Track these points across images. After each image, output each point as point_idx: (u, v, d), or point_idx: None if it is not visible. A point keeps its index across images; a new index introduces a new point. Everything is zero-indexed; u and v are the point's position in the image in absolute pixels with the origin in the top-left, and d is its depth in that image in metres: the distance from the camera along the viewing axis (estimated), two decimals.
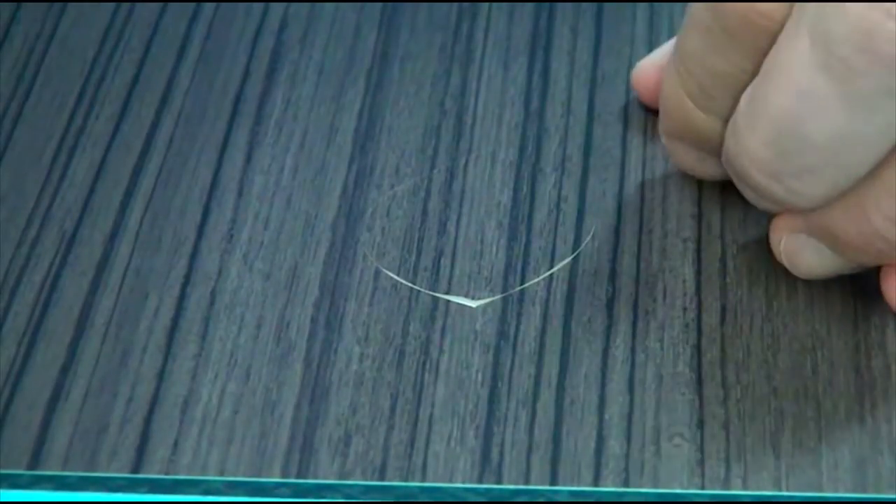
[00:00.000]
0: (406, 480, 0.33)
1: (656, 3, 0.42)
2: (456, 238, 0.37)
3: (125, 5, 0.43)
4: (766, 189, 0.32)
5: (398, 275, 0.36)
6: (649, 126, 0.39)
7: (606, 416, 0.33)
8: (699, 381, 0.34)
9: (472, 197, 0.38)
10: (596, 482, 0.32)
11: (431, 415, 0.34)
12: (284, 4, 0.43)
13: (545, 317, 0.35)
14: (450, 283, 0.36)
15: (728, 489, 0.32)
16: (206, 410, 0.34)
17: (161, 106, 0.40)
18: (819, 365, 0.34)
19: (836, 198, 0.32)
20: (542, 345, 0.35)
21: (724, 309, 0.35)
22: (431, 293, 0.36)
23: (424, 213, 0.37)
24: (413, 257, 0.37)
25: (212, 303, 0.36)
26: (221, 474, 0.33)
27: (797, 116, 0.30)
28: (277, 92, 0.40)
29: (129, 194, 0.38)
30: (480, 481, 0.33)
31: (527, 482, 0.32)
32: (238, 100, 0.40)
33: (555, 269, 0.36)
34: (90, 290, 0.36)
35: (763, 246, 0.36)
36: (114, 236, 0.37)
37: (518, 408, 0.34)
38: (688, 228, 0.37)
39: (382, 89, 0.40)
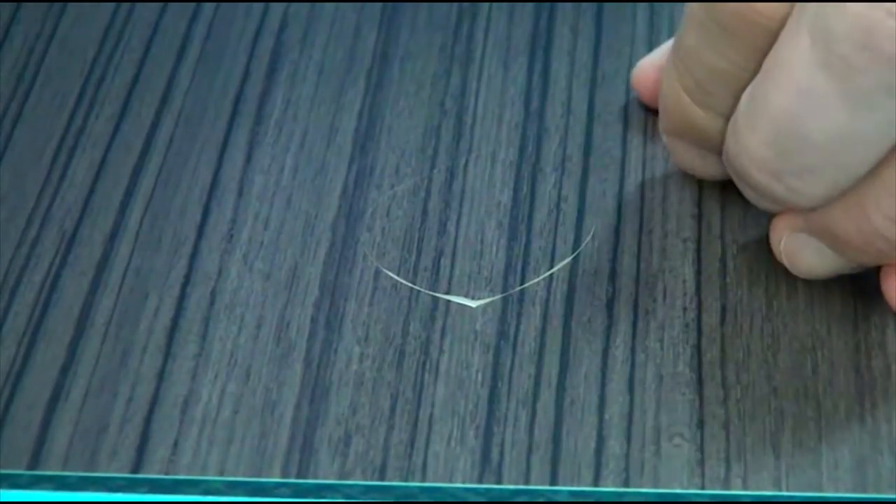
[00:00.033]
0: (406, 480, 0.33)
1: (656, 3, 0.42)
2: (456, 238, 0.37)
3: (125, 5, 0.43)
4: (767, 188, 0.32)
5: (398, 275, 0.36)
6: (649, 126, 0.39)
7: (606, 416, 0.33)
8: (699, 381, 0.34)
9: (472, 197, 0.38)
10: (596, 482, 0.32)
11: (431, 415, 0.34)
12: (284, 4, 0.43)
13: (545, 317, 0.35)
14: (450, 283, 0.36)
15: (728, 489, 0.32)
16: (206, 410, 0.34)
17: (161, 106, 0.40)
18: (819, 365, 0.34)
19: (836, 197, 0.32)
20: (542, 345, 0.35)
21: (724, 309, 0.35)
22: (431, 293, 0.36)
23: (424, 213, 0.38)
24: (413, 257, 0.37)
25: (212, 303, 0.36)
26: (221, 474, 0.33)
27: (797, 115, 0.30)
28: (277, 92, 0.40)
29: (129, 194, 0.38)
30: (480, 481, 0.33)
31: (527, 482, 0.32)
32: (238, 100, 0.40)
33: (555, 269, 0.36)
34: (90, 290, 0.36)
35: (763, 246, 0.36)
36: (114, 236, 0.37)
37: (518, 408, 0.34)
38: (688, 228, 0.37)
39: (382, 89, 0.40)
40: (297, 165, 0.39)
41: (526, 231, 0.37)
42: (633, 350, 0.35)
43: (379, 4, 0.42)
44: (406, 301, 0.36)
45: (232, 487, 0.33)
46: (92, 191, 0.38)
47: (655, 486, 0.32)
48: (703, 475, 0.32)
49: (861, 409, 0.33)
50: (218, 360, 0.35)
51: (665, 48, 0.38)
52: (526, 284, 0.36)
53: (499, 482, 0.33)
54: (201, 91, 0.41)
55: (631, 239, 0.37)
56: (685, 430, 0.33)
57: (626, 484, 0.32)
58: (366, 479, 0.33)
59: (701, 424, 0.33)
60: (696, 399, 0.34)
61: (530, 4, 0.42)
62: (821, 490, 0.32)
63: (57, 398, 0.34)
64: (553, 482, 0.32)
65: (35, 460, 0.33)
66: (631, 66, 0.40)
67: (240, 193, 0.38)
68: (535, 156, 0.39)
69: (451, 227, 0.37)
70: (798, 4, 0.30)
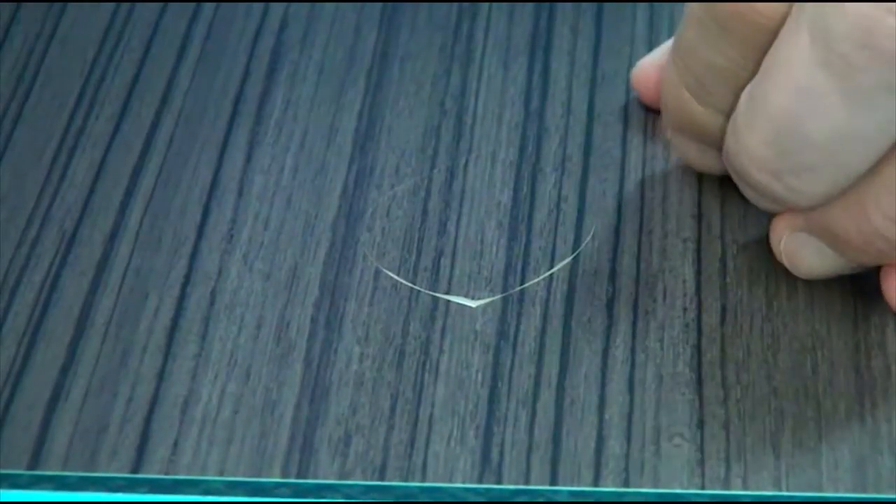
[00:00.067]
0: (406, 480, 0.33)
1: (656, 3, 0.42)
2: (456, 238, 0.37)
3: (125, 5, 0.43)
4: (767, 188, 0.32)
5: (398, 275, 0.36)
6: (649, 126, 0.39)
7: (606, 416, 0.33)
8: (699, 381, 0.34)
9: (472, 197, 0.38)
10: (596, 482, 0.32)
11: (431, 415, 0.34)
12: (284, 4, 0.43)
13: (545, 317, 0.35)
14: (450, 283, 0.36)
15: (728, 489, 0.32)
16: (206, 410, 0.34)
17: (161, 106, 0.40)
18: (819, 365, 0.34)
19: (836, 196, 0.32)
20: (542, 345, 0.35)
21: (724, 309, 0.35)
22: (431, 293, 0.36)
23: (424, 213, 0.37)
24: (413, 257, 0.37)
25: (212, 303, 0.36)
26: (221, 474, 0.33)
27: (796, 114, 0.30)
28: (277, 92, 0.40)
29: (129, 194, 0.38)
30: (480, 481, 0.33)
31: (527, 482, 0.32)
32: (238, 100, 0.40)
33: (555, 269, 0.36)
34: (90, 290, 0.36)
35: (763, 246, 0.36)
36: (114, 236, 0.37)
37: (518, 408, 0.34)
38: (688, 228, 0.37)
39: (382, 89, 0.40)
40: (297, 165, 0.39)
41: (526, 231, 0.37)
42: (633, 350, 0.35)
43: (379, 4, 0.42)
44: (406, 301, 0.36)
45: (232, 487, 0.33)
46: (92, 191, 0.38)
47: (655, 486, 0.32)
48: (703, 475, 0.32)
49: (861, 409, 0.33)
50: (218, 360, 0.35)
51: (665, 47, 0.38)
52: (526, 284, 0.36)
53: (499, 482, 0.33)
54: (201, 91, 0.41)
55: (631, 239, 0.37)
56: (685, 430, 0.33)
57: (626, 484, 0.32)
58: (366, 479, 0.33)
59: (701, 424, 0.33)
60: (696, 399, 0.34)
61: (530, 4, 0.42)
62: (821, 490, 0.32)
63: (57, 398, 0.34)
64: (553, 482, 0.32)
65: (35, 460, 0.33)
66: (631, 66, 0.40)
67: (240, 193, 0.38)
68: (535, 156, 0.39)
69: (451, 227, 0.37)
70: (797, 4, 0.30)
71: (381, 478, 0.33)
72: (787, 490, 0.32)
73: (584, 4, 0.42)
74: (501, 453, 0.33)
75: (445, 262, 0.36)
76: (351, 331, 0.35)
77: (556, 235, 0.37)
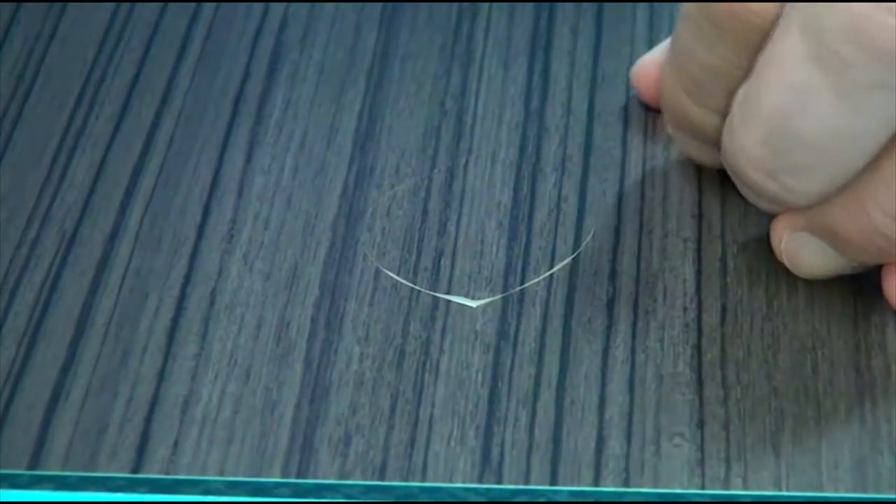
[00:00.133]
0: (406, 480, 0.33)
1: (656, 3, 0.42)
2: (456, 238, 0.37)
3: (125, 5, 0.43)
4: (763, 187, 0.32)
5: (398, 275, 0.36)
6: (649, 126, 0.39)
7: (606, 416, 0.33)
8: (699, 381, 0.34)
9: (472, 197, 0.38)
10: (596, 482, 0.32)
11: (431, 415, 0.34)
12: (284, 4, 0.43)
13: (545, 317, 0.35)
14: (450, 283, 0.36)
15: (728, 489, 0.32)
16: (206, 410, 0.34)
17: (161, 106, 0.40)
18: (819, 364, 0.34)
19: (833, 194, 0.32)
20: (542, 345, 0.35)
21: (724, 309, 0.35)
22: (431, 293, 0.36)
23: (424, 213, 0.38)
24: (413, 257, 0.37)
25: (212, 303, 0.36)
26: (221, 474, 0.33)
27: (789, 112, 0.30)
28: (277, 92, 0.40)
29: (129, 194, 0.38)
30: (480, 481, 0.33)
31: (527, 482, 0.32)
32: (238, 100, 0.40)
33: (555, 269, 0.36)
34: (90, 290, 0.36)
35: (763, 246, 0.36)
36: (114, 236, 0.37)
37: (518, 408, 0.34)
38: (688, 228, 0.37)
39: (382, 89, 0.40)
40: (297, 165, 0.39)
41: (526, 231, 0.37)
42: (633, 350, 0.35)
43: (379, 4, 0.42)
44: (406, 301, 0.36)
45: (232, 487, 0.33)
46: (92, 191, 0.38)
47: (655, 486, 0.32)
48: (703, 475, 0.32)
49: (861, 409, 0.33)
50: (218, 360, 0.35)
51: (665, 45, 0.38)
52: (526, 284, 0.36)
53: (499, 482, 0.33)
54: (201, 91, 0.41)
55: (631, 239, 0.37)
56: (685, 429, 0.33)
57: (626, 484, 0.32)
58: (366, 479, 0.33)
59: (701, 424, 0.33)
60: (696, 399, 0.34)
61: (530, 4, 0.42)
62: (821, 490, 0.32)
63: (57, 398, 0.34)
64: (553, 482, 0.32)
65: (35, 460, 0.33)
66: (631, 66, 0.40)
67: (240, 193, 0.38)
68: (535, 156, 0.39)
69: (451, 227, 0.37)
70: (789, 3, 0.30)
71: (381, 478, 0.33)
72: (787, 490, 0.32)
73: (584, 4, 0.42)
74: (501, 453, 0.33)
75: (445, 262, 0.36)
76: (351, 331, 0.35)
77: (556, 235, 0.37)
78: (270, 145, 0.39)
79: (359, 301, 0.36)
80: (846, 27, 0.29)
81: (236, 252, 0.37)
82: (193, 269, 0.37)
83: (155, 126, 0.40)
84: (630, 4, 0.42)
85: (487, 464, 0.33)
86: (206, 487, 0.33)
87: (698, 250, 0.36)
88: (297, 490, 0.33)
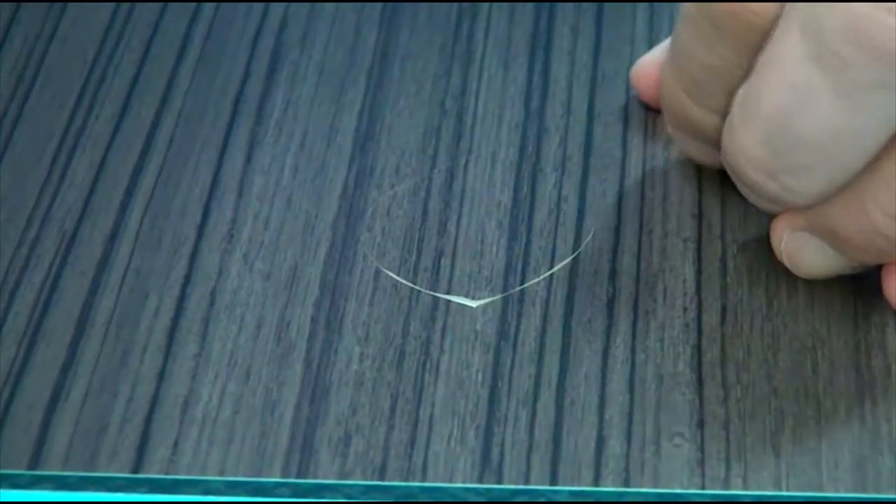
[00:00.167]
0: (406, 480, 0.33)
1: (656, 3, 0.42)
2: (456, 238, 0.37)
3: (125, 5, 0.43)
4: (763, 187, 0.32)
5: (398, 275, 0.36)
6: (649, 126, 0.39)
7: (606, 416, 0.33)
8: (699, 381, 0.34)
9: (472, 197, 0.38)
10: (596, 482, 0.32)
11: (431, 415, 0.34)
12: (284, 4, 0.43)
13: (545, 317, 0.35)
14: (450, 283, 0.36)
15: (728, 489, 0.32)
16: (206, 410, 0.34)
17: (161, 106, 0.40)
18: (819, 364, 0.34)
19: (832, 194, 0.32)
20: (542, 345, 0.35)
21: (724, 309, 0.35)
22: (431, 293, 0.36)
23: (424, 213, 0.38)
24: (413, 257, 0.37)
25: (212, 303, 0.36)
26: (221, 474, 0.33)
27: (789, 112, 0.30)
28: (277, 92, 0.40)
29: (129, 194, 0.38)
30: (480, 481, 0.33)
31: (527, 482, 0.32)
32: (238, 100, 0.40)
33: (555, 269, 0.36)
34: (90, 290, 0.36)
35: (763, 246, 0.36)
36: (114, 236, 0.37)
37: (518, 408, 0.34)
38: (688, 228, 0.37)
39: (382, 89, 0.40)
40: (297, 165, 0.39)
41: (526, 231, 0.37)
42: (633, 350, 0.35)
43: (379, 4, 0.42)
44: (406, 301, 0.36)
45: (232, 487, 0.33)
46: (92, 191, 0.38)
47: (655, 486, 0.32)
48: (703, 475, 0.32)
49: (861, 409, 0.33)
50: (218, 360, 0.35)
51: (665, 45, 0.38)
52: (526, 284, 0.36)
53: (499, 482, 0.33)
54: (201, 91, 0.41)
55: (631, 239, 0.37)
56: (685, 429, 0.33)
57: (627, 484, 0.32)
58: (366, 479, 0.33)
59: (701, 424, 0.33)
60: (696, 399, 0.34)
61: (530, 4, 0.42)
62: (821, 490, 0.32)
63: (57, 398, 0.34)
64: (553, 482, 0.32)
65: (35, 460, 0.33)
66: (631, 66, 0.40)
67: (240, 193, 0.38)
68: (535, 156, 0.39)
69: (451, 227, 0.37)
70: (789, 3, 0.30)
71: (381, 478, 0.33)
72: (787, 490, 0.32)
73: (584, 4, 0.42)
74: (501, 453, 0.33)
75: (445, 262, 0.36)
76: (351, 331, 0.35)
77: (556, 235, 0.37)
78: (270, 145, 0.39)
79: (359, 301, 0.36)
80: (846, 27, 0.29)
81: (236, 252, 0.37)
82: (193, 269, 0.37)
83: (155, 126, 0.40)
84: (630, 4, 0.42)
85: (487, 464, 0.33)
86: (206, 487, 0.33)
87: (698, 250, 0.36)
88: (297, 490, 0.33)
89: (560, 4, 0.42)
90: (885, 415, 0.33)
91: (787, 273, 0.35)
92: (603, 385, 0.34)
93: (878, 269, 0.35)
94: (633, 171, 0.38)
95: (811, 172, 0.31)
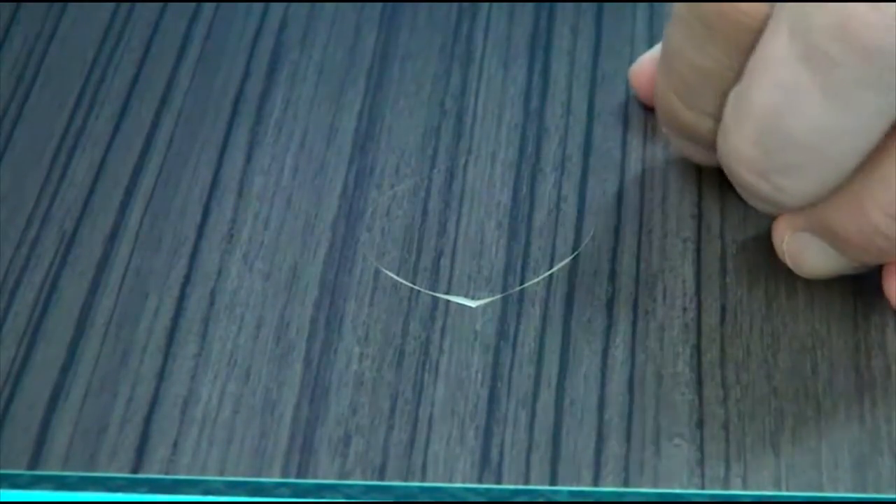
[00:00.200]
0: (406, 480, 0.33)
1: (656, 3, 0.42)
2: (456, 238, 0.37)
3: (125, 5, 0.43)
4: (755, 187, 0.32)
5: (398, 275, 0.36)
6: (649, 126, 0.39)
7: (606, 417, 0.33)
8: (699, 381, 0.34)
9: (472, 197, 0.38)
10: (596, 482, 0.32)
11: (431, 415, 0.34)
12: (284, 4, 0.43)
13: (545, 317, 0.35)
14: (450, 283, 0.36)
15: (728, 489, 0.32)
16: (206, 410, 0.34)
17: (161, 106, 0.40)
18: (819, 365, 0.34)
19: (826, 195, 0.32)
20: (541, 345, 0.35)
21: (723, 309, 0.35)
22: (431, 293, 0.36)
23: (424, 213, 0.38)
24: (413, 257, 0.37)
25: (212, 303, 0.36)
26: (221, 474, 0.33)
27: (779, 111, 0.30)
28: (277, 92, 0.40)
29: (129, 194, 0.38)
30: (480, 481, 0.33)
31: (526, 482, 0.32)
32: (238, 100, 0.40)
33: (555, 269, 0.36)
34: (90, 290, 0.36)
35: (763, 246, 0.36)
36: (114, 236, 0.37)
37: (518, 408, 0.34)
38: (688, 228, 0.37)
39: (382, 89, 0.40)
40: (297, 165, 0.39)
41: (526, 231, 0.37)
42: (633, 350, 0.35)
43: (379, 4, 0.42)
44: (406, 301, 0.36)
45: (232, 487, 0.33)
46: (92, 191, 0.38)
47: (655, 486, 0.32)
48: (702, 475, 0.32)
49: (861, 409, 0.33)
50: (218, 360, 0.35)
51: None
52: (526, 284, 0.36)
53: (498, 482, 0.33)
54: (201, 91, 0.41)
55: (631, 239, 0.37)
56: (685, 430, 0.33)
57: (626, 484, 0.32)
58: (366, 479, 0.33)
59: (701, 424, 0.33)
60: (696, 399, 0.34)
61: (530, 4, 0.42)
62: (821, 490, 0.32)
63: (57, 398, 0.34)
64: (553, 482, 0.32)
65: (35, 460, 0.33)
66: (631, 66, 0.40)
67: (240, 193, 0.38)
68: (535, 156, 0.39)
69: (450, 227, 0.37)
70: (778, 4, 0.30)
71: (381, 478, 0.33)
72: (787, 490, 0.32)
73: (584, 4, 0.42)
74: (501, 453, 0.33)
75: (445, 262, 0.36)
76: (351, 331, 0.35)
77: (555, 235, 0.37)
78: (270, 145, 0.39)
79: (358, 301, 0.36)
80: (834, 26, 0.29)
81: (236, 252, 0.37)
82: (193, 269, 0.37)
83: (155, 126, 0.40)
84: (630, 4, 0.42)
85: (487, 464, 0.33)
86: (206, 487, 0.33)
87: (698, 250, 0.36)
88: (297, 490, 0.33)
89: (560, 4, 0.42)
90: (885, 415, 0.33)
91: (787, 273, 0.35)
92: (602, 385, 0.34)
93: (879, 269, 0.35)
94: (633, 171, 0.38)
95: (802, 172, 0.31)
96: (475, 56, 0.41)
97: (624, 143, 0.39)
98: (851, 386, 0.34)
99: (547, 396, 0.34)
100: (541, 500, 0.33)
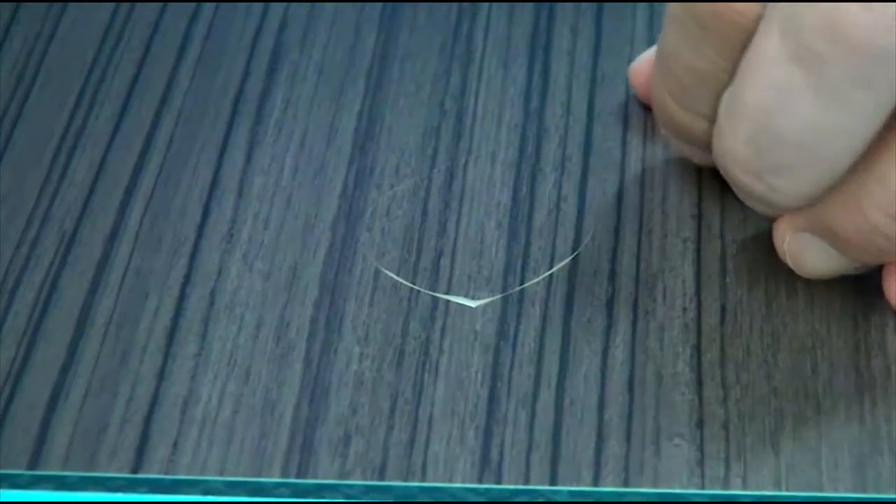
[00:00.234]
0: (406, 480, 0.33)
1: (656, 3, 0.42)
2: (456, 238, 0.37)
3: (125, 5, 0.43)
4: (750, 188, 0.32)
5: (398, 275, 0.36)
6: (649, 126, 0.39)
7: (606, 417, 0.33)
8: (699, 381, 0.34)
9: (471, 197, 0.38)
10: (596, 482, 0.32)
11: (431, 415, 0.34)
12: (284, 4, 0.43)
13: (545, 317, 0.35)
14: (449, 283, 0.36)
15: (728, 489, 0.32)
16: (206, 410, 0.34)
17: (161, 106, 0.40)
18: (819, 365, 0.34)
19: (820, 195, 0.32)
20: (541, 345, 0.35)
21: (723, 309, 0.35)
22: (431, 293, 0.36)
23: (424, 213, 0.38)
24: (413, 257, 0.37)
25: (212, 303, 0.36)
26: (221, 474, 0.33)
27: (770, 111, 0.30)
28: (277, 92, 0.40)
29: (129, 194, 0.38)
30: (480, 481, 0.33)
31: (526, 482, 0.32)
32: (238, 100, 0.40)
33: (555, 269, 0.36)
34: (90, 290, 0.36)
35: (763, 246, 0.36)
36: (114, 236, 0.37)
37: (518, 408, 0.34)
38: (688, 228, 0.37)
39: (382, 89, 0.40)
40: (297, 165, 0.39)
41: (526, 231, 0.37)
42: (632, 350, 0.35)
43: (379, 4, 0.43)
44: (406, 301, 0.36)
45: (232, 487, 0.33)
46: (92, 191, 0.38)
47: (655, 486, 0.32)
48: (702, 475, 0.32)
49: (861, 409, 0.34)
50: (218, 360, 0.35)
51: None
52: (526, 284, 0.36)
53: (498, 482, 0.33)
54: (201, 91, 0.41)
55: (631, 239, 0.37)
56: (685, 430, 0.33)
57: (626, 484, 0.32)
58: (366, 479, 0.33)
59: (701, 424, 0.33)
60: (696, 399, 0.34)
61: (530, 4, 0.42)
62: (821, 490, 0.32)
63: (57, 398, 0.34)
64: (553, 482, 0.32)
65: (35, 460, 0.33)
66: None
67: (240, 193, 0.38)
68: (535, 156, 0.39)
69: (450, 227, 0.37)
70: (769, 4, 0.31)
71: (381, 478, 0.33)
72: (787, 490, 0.32)
73: (584, 4, 0.42)
74: (501, 453, 0.33)
75: (445, 262, 0.36)
76: (351, 331, 0.35)
77: (555, 235, 0.37)
78: (270, 145, 0.39)
79: (358, 301, 0.36)
80: (823, 24, 0.29)
81: (236, 252, 0.37)
82: (193, 269, 0.37)
83: (155, 126, 0.40)
84: (630, 4, 0.42)
85: (487, 464, 0.33)
86: (206, 487, 0.33)
87: (698, 250, 0.36)
88: (297, 490, 0.33)
89: (560, 4, 0.42)
90: (884, 415, 0.33)
91: (787, 273, 0.35)
92: (602, 385, 0.34)
93: (879, 269, 0.35)
94: (633, 171, 0.38)
95: (796, 172, 0.31)
96: (475, 56, 0.41)
97: (624, 143, 0.39)
98: (851, 386, 0.34)
99: (547, 396, 0.34)
100: (541, 500, 0.33)
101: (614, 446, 0.33)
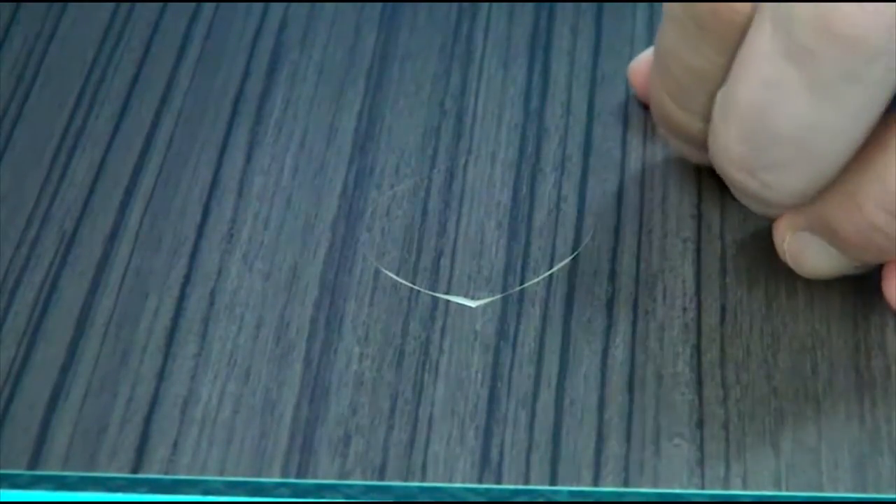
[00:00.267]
0: (406, 480, 0.33)
1: (656, 3, 0.42)
2: (456, 238, 0.37)
3: (125, 5, 0.43)
4: (745, 185, 0.32)
5: (398, 275, 0.36)
6: (649, 126, 0.39)
7: (606, 417, 0.33)
8: (699, 381, 0.34)
9: (471, 197, 0.38)
10: (596, 482, 0.32)
11: (431, 415, 0.34)
12: (284, 4, 0.43)
13: (545, 317, 0.35)
14: (449, 283, 0.36)
15: (728, 489, 0.32)
16: (206, 410, 0.34)
17: (161, 106, 0.40)
18: (819, 365, 0.34)
19: (814, 193, 0.32)
20: (541, 345, 0.35)
21: (723, 309, 0.35)
22: (431, 293, 0.36)
23: (424, 213, 0.38)
24: (413, 257, 0.37)
25: (212, 303, 0.36)
26: (221, 474, 0.33)
27: (764, 108, 0.30)
28: (277, 92, 0.40)
29: (129, 194, 0.38)
30: (480, 481, 0.33)
31: (526, 482, 0.32)
32: (238, 100, 0.40)
33: (555, 269, 0.36)
34: (90, 290, 0.36)
35: (763, 246, 0.36)
36: (114, 236, 0.37)
37: (518, 408, 0.34)
38: (688, 228, 0.37)
39: (382, 89, 0.40)
40: (297, 165, 0.39)
41: (526, 231, 0.37)
42: (632, 350, 0.35)
43: (379, 4, 0.42)
44: (406, 301, 0.36)
45: (232, 487, 0.33)
46: (92, 191, 0.38)
47: (655, 486, 0.32)
48: (702, 475, 0.32)
49: (861, 409, 0.33)
50: (218, 360, 0.35)
51: None
52: (526, 284, 0.36)
53: (498, 482, 0.33)
54: (201, 91, 0.41)
55: (631, 239, 0.37)
56: (685, 430, 0.33)
57: (626, 484, 0.32)
58: (366, 479, 0.33)
59: (701, 424, 0.33)
60: (696, 399, 0.34)
61: (530, 4, 0.42)
62: (821, 490, 0.32)
63: (57, 398, 0.34)
64: (553, 482, 0.32)
65: (35, 460, 0.33)
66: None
67: (240, 193, 0.38)
68: (535, 156, 0.39)
69: (450, 227, 0.37)
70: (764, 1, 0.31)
71: (381, 478, 0.33)
72: (787, 490, 0.32)
73: (584, 4, 0.42)
74: (501, 453, 0.33)
75: (445, 262, 0.36)
76: (351, 331, 0.35)
77: (555, 235, 0.37)
78: (270, 145, 0.39)
79: (358, 301, 0.36)
80: (814, 20, 0.29)
81: (236, 252, 0.37)
82: (193, 269, 0.37)
83: (155, 126, 0.40)
84: (630, 4, 0.42)
85: (487, 464, 0.33)
86: (206, 487, 0.33)
87: (698, 250, 0.36)
88: (297, 490, 0.33)
89: (560, 4, 0.42)
90: (884, 415, 0.33)
91: (787, 273, 0.35)
92: (602, 385, 0.34)
93: (879, 269, 0.35)
94: (633, 171, 0.38)
95: (790, 169, 0.31)
96: (475, 56, 0.41)
97: (624, 143, 0.39)
98: (851, 386, 0.34)
99: (547, 396, 0.34)
100: (541, 500, 0.33)
101: (614, 446, 0.33)
